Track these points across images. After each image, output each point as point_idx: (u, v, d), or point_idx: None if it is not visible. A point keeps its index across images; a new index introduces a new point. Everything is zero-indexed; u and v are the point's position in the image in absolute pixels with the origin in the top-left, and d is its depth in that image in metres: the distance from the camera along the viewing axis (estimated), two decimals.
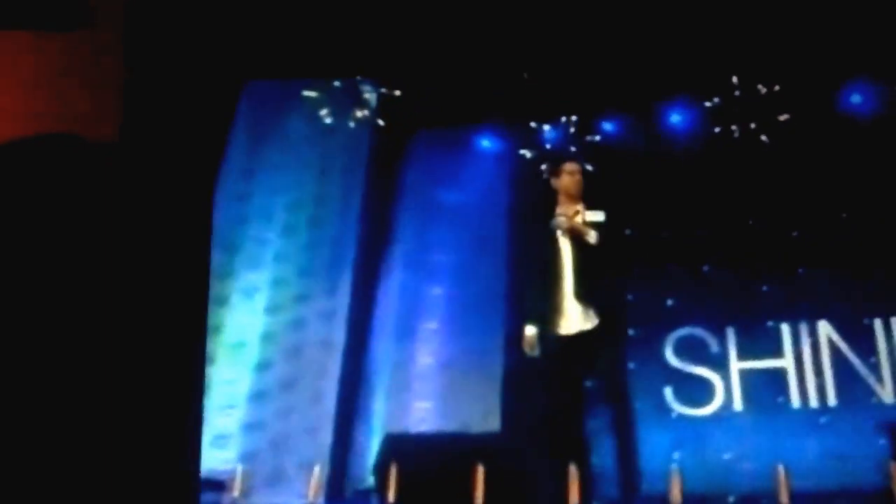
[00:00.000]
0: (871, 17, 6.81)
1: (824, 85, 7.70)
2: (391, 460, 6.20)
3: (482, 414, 7.49)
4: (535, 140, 8.27)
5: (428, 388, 7.63)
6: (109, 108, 3.65)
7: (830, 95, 7.80)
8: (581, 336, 5.50)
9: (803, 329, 7.54)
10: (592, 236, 5.55)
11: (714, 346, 7.64)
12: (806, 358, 7.46)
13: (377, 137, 8.38)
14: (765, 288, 7.65)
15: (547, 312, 5.58)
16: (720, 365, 7.60)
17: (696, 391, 7.60)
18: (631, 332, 7.40)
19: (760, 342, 7.54)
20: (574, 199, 5.72)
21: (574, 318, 5.52)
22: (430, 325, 7.86)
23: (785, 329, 7.56)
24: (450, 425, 7.47)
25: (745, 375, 7.53)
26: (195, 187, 3.88)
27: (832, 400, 7.35)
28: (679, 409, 7.61)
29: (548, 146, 8.26)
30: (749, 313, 7.60)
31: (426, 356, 7.76)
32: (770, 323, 7.58)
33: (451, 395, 7.59)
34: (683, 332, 7.77)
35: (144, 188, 3.59)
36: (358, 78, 8.09)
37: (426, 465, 6.13)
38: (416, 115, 8.14)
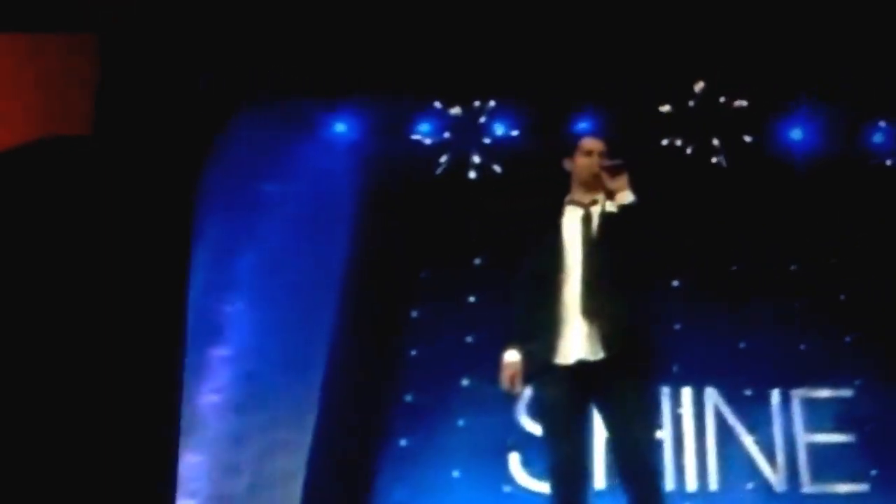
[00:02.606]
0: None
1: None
2: None
3: (284, 473, 6.13)
4: (406, 126, 6.67)
5: (208, 437, 6.11)
6: (84, 105, 5.01)
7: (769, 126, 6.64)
8: (585, 370, 4.22)
9: (686, 396, 6.41)
10: (626, 196, 4.32)
11: None
12: (687, 430, 6.35)
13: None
14: None
15: (540, 332, 4.28)
16: None
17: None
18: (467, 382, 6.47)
19: None
20: (591, 186, 4.48)
21: (576, 343, 4.23)
22: (220, 352, 6.31)
23: (664, 394, 6.34)
24: (237, 485, 6.06)
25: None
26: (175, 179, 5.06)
27: (714, 483, 6.30)
28: (524, 480, 6.35)
29: (446, 134, 6.68)
30: None
31: (210, 394, 6.22)
32: None
33: (242, 447, 6.15)
34: None
35: (123, 178, 4.81)
36: None
37: None
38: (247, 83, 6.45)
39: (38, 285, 5.45)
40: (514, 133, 6.64)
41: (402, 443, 6.38)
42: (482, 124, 6.65)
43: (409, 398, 6.44)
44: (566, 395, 4.22)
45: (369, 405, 6.37)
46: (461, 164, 6.64)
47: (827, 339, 6.42)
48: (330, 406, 6.28)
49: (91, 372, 5.38)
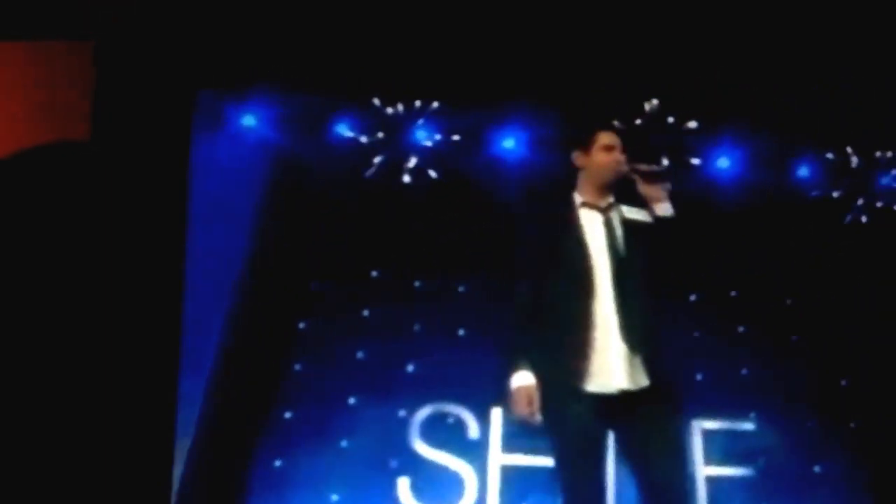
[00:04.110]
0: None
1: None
2: None
3: None
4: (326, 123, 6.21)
5: None
6: (82, 110, 5.30)
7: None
8: (619, 399, 3.73)
9: None
10: (666, 208, 3.89)
11: (473, 432, 6.10)
12: None
13: None
14: None
15: (562, 352, 3.73)
16: (477, 455, 6.06)
17: (441, 486, 6.05)
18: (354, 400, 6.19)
19: (532, 433, 5.87)
20: (608, 188, 3.99)
21: (616, 370, 3.73)
22: None
23: None
24: None
25: (508, 473, 6.02)
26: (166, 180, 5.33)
27: None
28: None
29: (380, 135, 6.21)
30: None
31: None
32: None
33: None
34: (434, 408, 6.16)
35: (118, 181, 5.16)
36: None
37: None
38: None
39: (36, 289, 5.46)
40: (456, 138, 6.25)
41: (277, 463, 6.01)
42: (417, 126, 6.23)
43: (288, 415, 6.05)
44: (594, 428, 3.73)
45: (245, 420, 5.93)
46: (391, 167, 6.23)
47: (724, 371, 6.34)
48: (205, 417, 5.82)
49: (88, 373, 5.36)
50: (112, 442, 5.38)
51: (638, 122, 6.15)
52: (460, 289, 6.36)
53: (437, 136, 6.26)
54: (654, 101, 6.08)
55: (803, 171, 6.49)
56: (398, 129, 6.21)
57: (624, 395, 3.70)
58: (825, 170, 6.48)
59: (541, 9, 5.72)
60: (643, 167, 3.94)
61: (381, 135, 6.21)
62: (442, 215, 6.14)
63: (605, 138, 3.99)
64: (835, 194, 6.49)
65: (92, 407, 5.38)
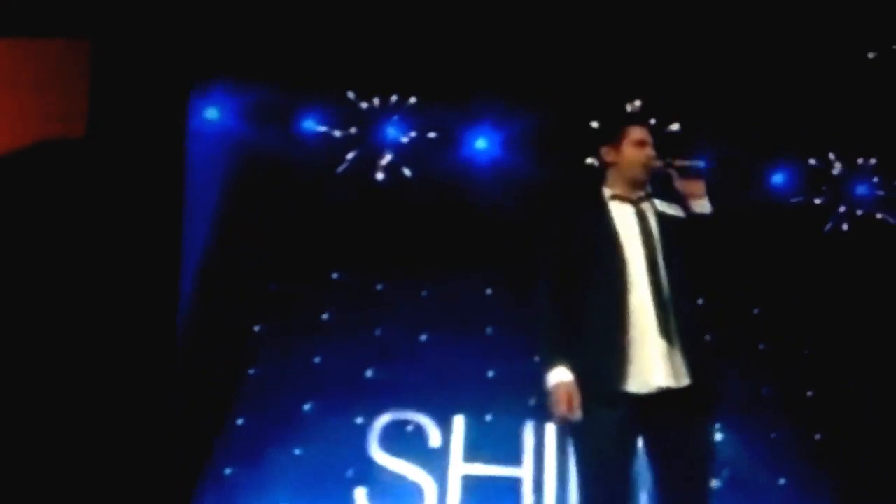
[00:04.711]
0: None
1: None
2: None
3: None
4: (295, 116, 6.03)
5: None
6: (79, 108, 5.39)
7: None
8: (656, 400, 3.56)
9: (550, 432, 5.99)
10: (704, 205, 3.79)
11: (433, 440, 5.97)
12: (549, 467, 5.95)
13: None
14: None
15: (599, 349, 3.59)
16: (437, 465, 5.93)
17: (400, 496, 5.91)
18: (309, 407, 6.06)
19: (495, 441, 5.97)
20: (641, 182, 3.87)
21: (657, 367, 3.56)
22: None
23: (528, 428, 5.98)
24: None
25: (469, 482, 5.91)
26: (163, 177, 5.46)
27: None
28: None
29: (353, 130, 6.05)
30: (484, 402, 6.00)
31: None
32: (509, 418, 6.00)
33: None
34: (393, 415, 6.01)
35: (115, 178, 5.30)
36: None
37: None
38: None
39: (33, 286, 5.37)
40: (432, 135, 6.11)
41: (227, 471, 5.80)
42: (392, 122, 6.09)
43: (240, 421, 5.84)
44: (626, 431, 3.56)
45: (193, 426, 5.66)
46: (364, 163, 6.06)
47: None
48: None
49: (85, 371, 5.29)
50: (110, 442, 5.23)
51: None
52: (423, 293, 6.21)
53: (413, 133, 6.12)
54: (637, 103, 5.93)
55: (785, 177, 6.43)
56: (373, 124, 6.05)
57: (663, 394, 3.54)
58: (807, 176, 6.43)
59: (525, 8, 5.63)
60: (680, 162, 3.84)
61: (354, 130, 6.05)
62: (410, 215, 6.00)
63: (635, 133, 3.91)
64: (816, 201, 6.43)
65: (89, 406, 5.24)
